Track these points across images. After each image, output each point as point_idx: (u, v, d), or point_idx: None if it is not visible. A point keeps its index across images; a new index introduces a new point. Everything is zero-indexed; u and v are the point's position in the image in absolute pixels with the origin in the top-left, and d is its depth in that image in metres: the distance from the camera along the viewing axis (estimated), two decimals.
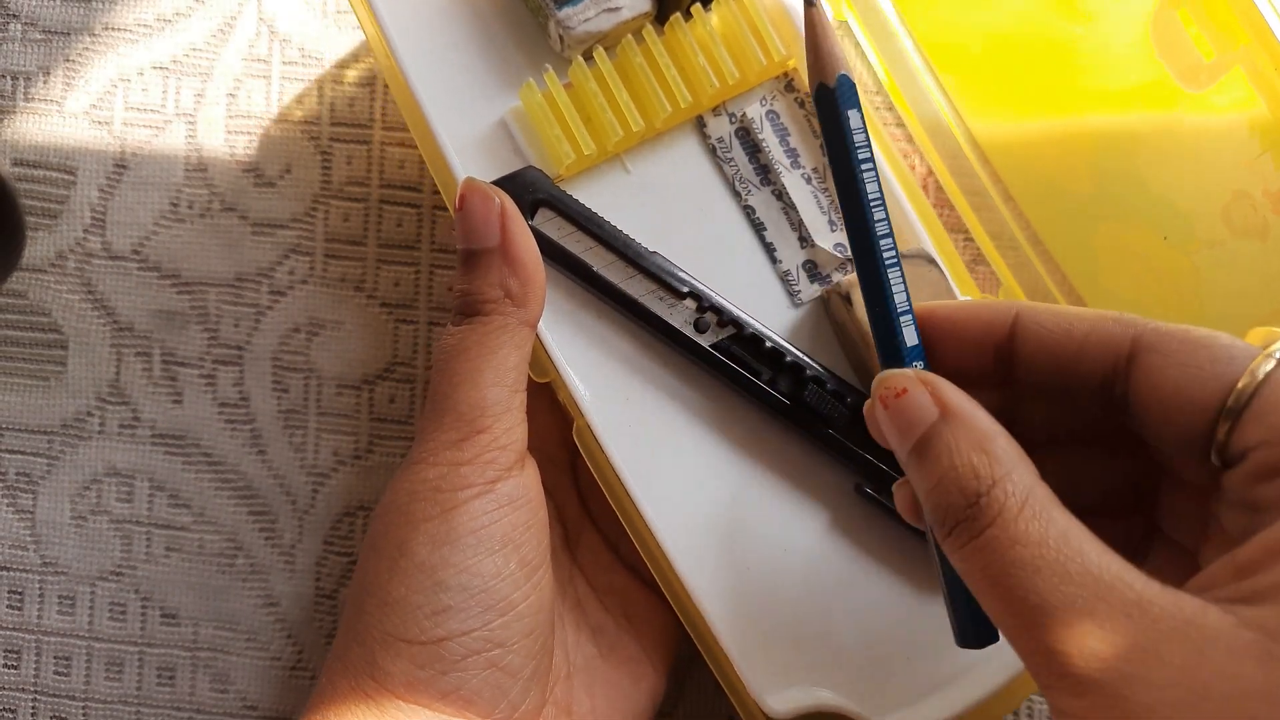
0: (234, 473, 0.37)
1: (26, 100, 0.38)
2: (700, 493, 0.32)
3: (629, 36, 0.32)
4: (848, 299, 0.31)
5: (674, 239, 0.32)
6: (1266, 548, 0.21)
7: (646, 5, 0.32)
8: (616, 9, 0.31)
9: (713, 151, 0.33)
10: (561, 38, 0.31)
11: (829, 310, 0.33)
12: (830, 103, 0.27)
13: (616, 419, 0.31)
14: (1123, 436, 0.26)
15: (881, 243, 0.27)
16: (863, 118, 0.27)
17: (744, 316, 0.32)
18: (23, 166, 0.38)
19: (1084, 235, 0.33)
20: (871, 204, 0.27)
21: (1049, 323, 0.26)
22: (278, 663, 0.37)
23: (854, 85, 0.27)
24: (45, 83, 0.38)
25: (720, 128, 0.33)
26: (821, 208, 0.33)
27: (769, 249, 0.33)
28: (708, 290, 0.31)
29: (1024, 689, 0.31)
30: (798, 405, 0.31)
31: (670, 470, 0.32)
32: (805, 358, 0.32)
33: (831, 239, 0.33)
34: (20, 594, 0.38)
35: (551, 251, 0.31)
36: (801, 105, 0.34)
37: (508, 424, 0.28)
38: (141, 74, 0.38)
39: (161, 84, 0.38)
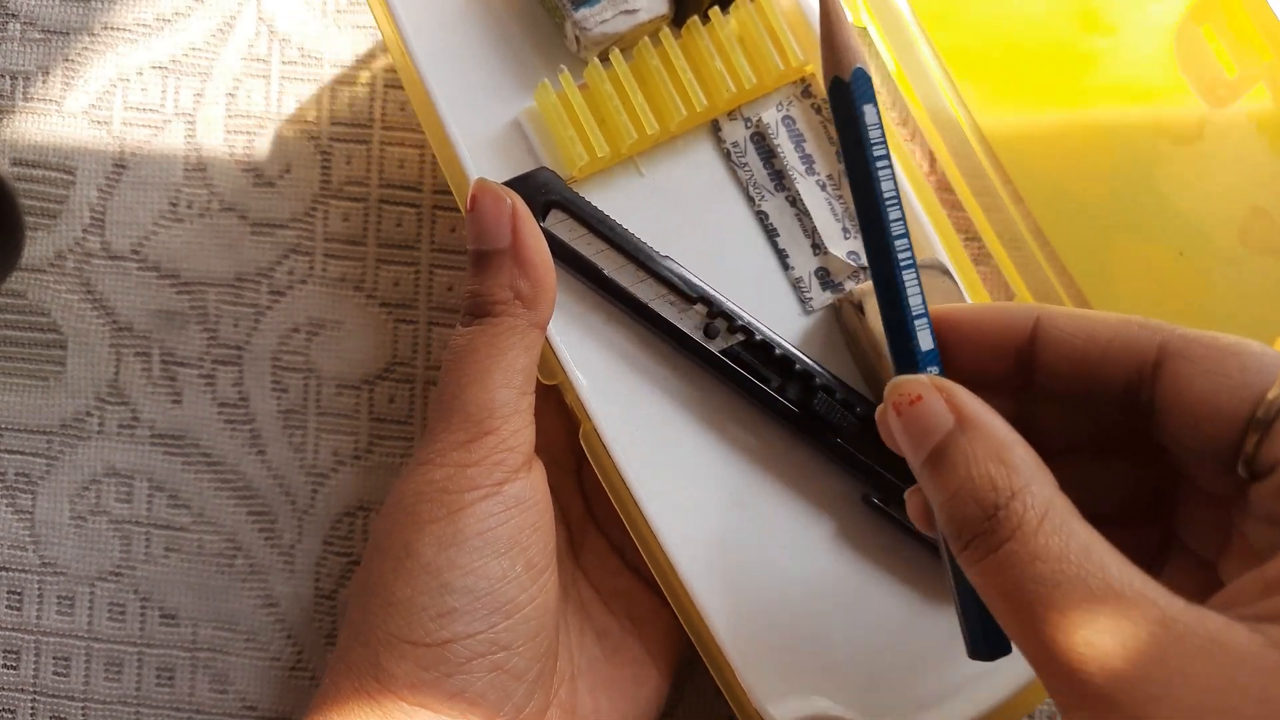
0: (233, 473, 0.37)
1: (25, 100, 0.38)
2: (706, 499, 0.32)
3: (645, 39, 0.32)
4: (860, 307, 0.31)
5: (686, 243, 0.32)
6: None
7: (664, 8, 0.31)
8: (634, 11, 0.31)
9: (727, 156, 0.33)
10: (578, 39, 0.31)
11: (840, 318, 0.33)
12: (845, 97, 0.26)
13: (623, 423, 0.31)
14: (1142, 444, 0.25)
15: (897, 244, 0.26)
16: (879, 113, 0.26)
17: (754, 323, 0.31)
18: (22, 166, 0.38)
19: (1099, 247, 0.33)
20: (887, 203, 0.26)
21: (1071, 327, 0.25)
22: (277, 663, 0.37)
23: (870, 79, 0.26)
24: (44, 82, 0.38)
25: (735, 132, 0.33)
26: (835, 215, 0.33)
27: (781, 255, 0.33)
28: (718, 296, 0.31)
29: (1030, 701, 0.31)
30: (806, 413, 0.31)
31: (676, 475, 0.31)
32: (815, 365, 0.31)
33: (844, 246, 0.33)
34: (19, 594, 0.38)
35: (562, 253, 0.31)
36: (818, 111, 0.33)
37: (515, 426, 0.28)
38: (141, 74, 0.38)
39: (161, 84, 0.38)
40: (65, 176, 0.38)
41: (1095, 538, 0.21)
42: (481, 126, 0.32)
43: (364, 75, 0.38)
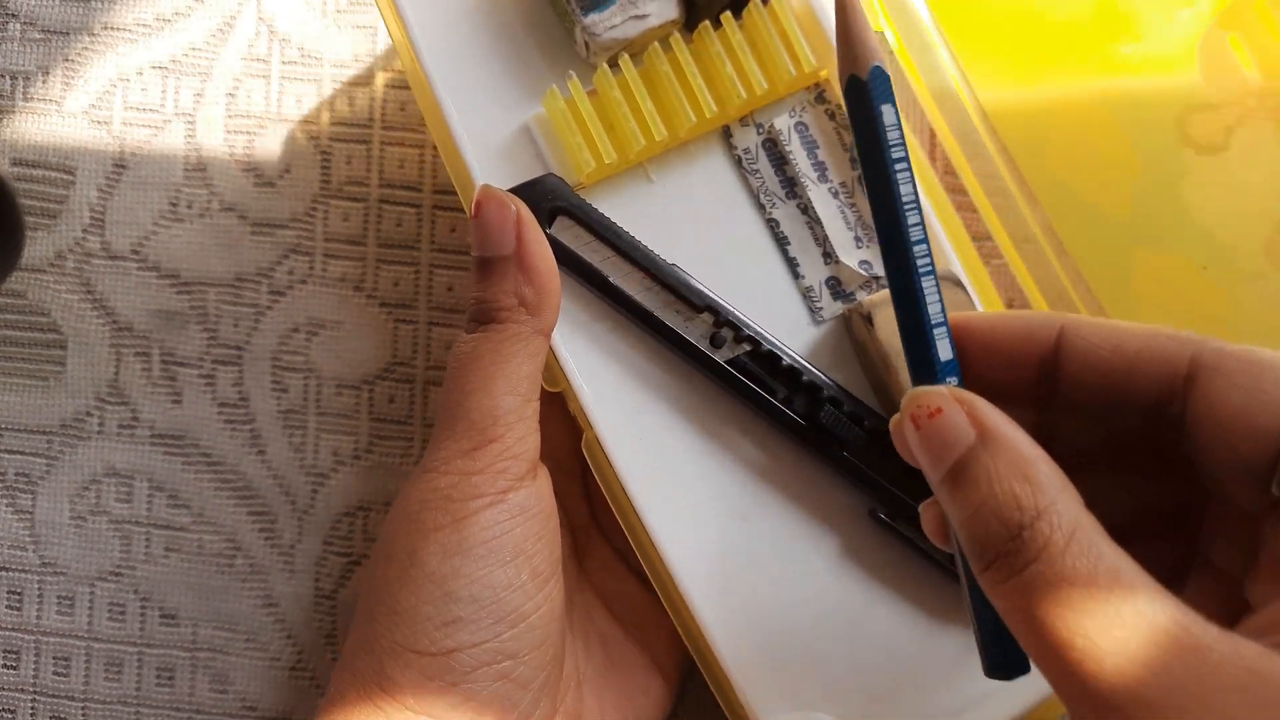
0: (233, 473, 0.37)
1: (25, 100, 0.38)
2: (709, 511, 0.31)
3: (655, 44, 0.31)
4: (869, 318, 0.31)
5: (695, 251, 0.31)
6: None
7: (674, 13, 0.31)
8: (644, 16, 0.31)
9: (738, 163, 0.33)
10: (587, 44, 0.31)
11: (850, 329, 0.32)
12: (862, 96, 0.25)
13: (626, 432, 0.31)
14: (1167, 456, 0.25)
15: (916, 249, 0.25)
16: (897, 114, 0.25)
17: (761, 332, 0.31)
18: (22, 166, 0.38)
19: (1119, 259, 0.32)
20: (906, 207, 0.25)
21: (1097, 338, 0.25)
22: (277, 663, 0.37)
23: (888, 78, 0.25)
24: (44, 82, 0.38)
25: (747, 138, 0.33)
26: (848, 223, 0.32)
27: (792, 264, 0.32)
28: (725, 304, 0.31)
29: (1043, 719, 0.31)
30: (813, 426, 0.31)
31: (679, 486, 0.31)
32: (823, 377, 0.31)
33: (856, 255, 0.32)
34: (19, 594, 0.38)
35: (568, 260, 0.30)
36: (832, 117, 0.33)
37: (520, 433, 0.28)
38: (141, 74, 0.38)
39: (161, 84, 0.38)
40: (65, 176, 0.38)
41: (1124, 559, 0.21)
42: (489, 132, 0.31)
43: (364, 75, 0.38)
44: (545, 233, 0.29)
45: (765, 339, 0.31)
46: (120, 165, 0.38)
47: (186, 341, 0.38)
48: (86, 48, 0.38)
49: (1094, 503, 0.22)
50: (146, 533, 0.37)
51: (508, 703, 0.27)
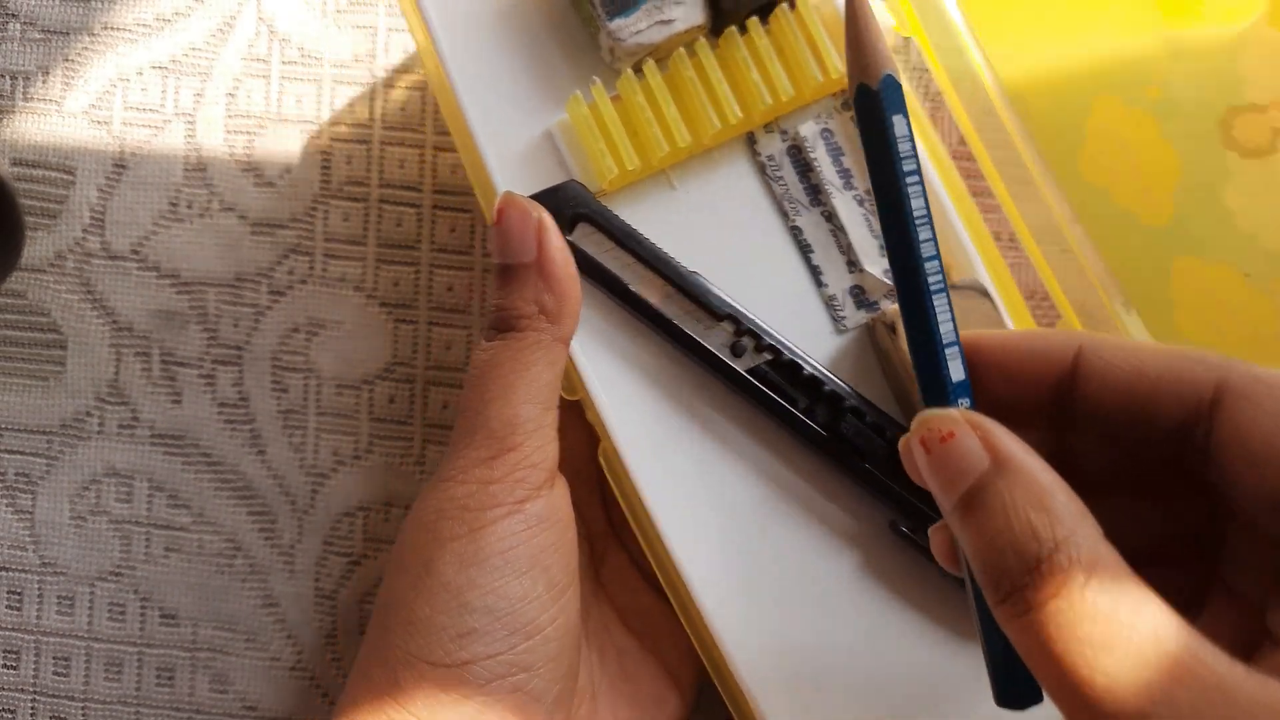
0: (233, 473, 0.37)
1: (25, 100, 0.38)
2: (726, 522, 0.31)
3: (680, 49, 0.31)
4: (893, 328, 0.30)
5: (717, 258, 0.31)
6: None
7: (700, 18, 0.31)
8: (669, 21, 0.30)
9: (762, 170, 0.32)
10: (612, 49, 0.31)
11: (873, 339, 0.32)
12: (873, 106, 0.24)
13: (644, 441, 0.30)
14: (1187, 480, 0.24)
15: (927, 265, 0.24)
16: (909, 124, 0.24)
17: (782, 341, 0.30)
18: (22, 166, 0.38)
19: (1158, 267, 0.31)
20: (917, 221, 0.24)
21: (1116, 359, 0.24)
22: (277, 663, 0.37)
23: (900, 87, 0.24)
24: (44, 82, 0.38)
25: (771, 145, 0.32)
26: (873, 231, 0.32)
27: (815, 272, 0.32)
28: (746, 313, 0.30)
29: None
30: (834, 436, 0.30)
31: (696, 497, 0.31)
32: (845, 387, 0.30)
33: (881, 264, 0.32)
34: (19, 594, 0.38)
35: (588, 267, 0.30)
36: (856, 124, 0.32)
37: (539, 442, 0.27)
38: (141, 74, 0.38)
39: (161, 84, 0.38)
40: (65, 176, 0.38)
41: (1146, 594, 0.20)
42: (511, 138, 0.31)
43: (364, 75, 0.38)
44: (566, 239, 0.29)
45: (786, 348, 0.30)
46: (120, 165, 0.38)
47: (186, 341, 0.38)
48: (86, 48, 0.38)
49: (1110, 526, 0.21)
50: (146, 533, 0.37)
51: (522, 716, 0.26)
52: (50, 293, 0.38)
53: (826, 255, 0.32)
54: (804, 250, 0.32)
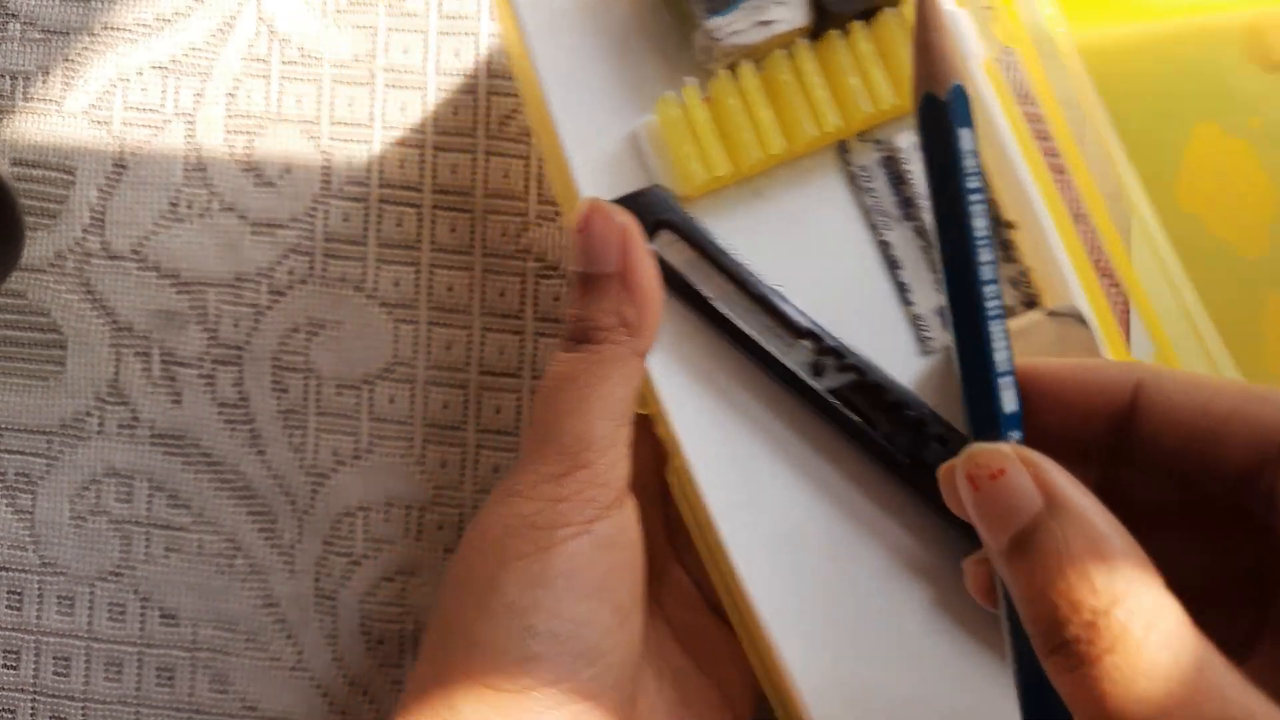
0: (233, 473, 0.37)
1: (25, 100, 0.38)
2: (797, 547, 0.29)
3: (779, 51, 0.29)
4: None
5: (798, 270, 0.30)
6: None
7: (803, 19, 0.29)
8: (770, 22, 0.29)
9: (852, 180, 0.31)
10: (707, 49, 0.29)
11: None
12: (940, 118, 0.22)
13: (716, 460, 0.29)
14: (1245, 521, 0.23)
15: (986, 289, 0.23)
16: (975, 138, 0.23)
17: (867, 362, 0.29)
18: (22, 166, 0.38)
19: (1251, 302, 0.30)
20: (979, 242, 0.23)
21: (1180, 396, 0.22)
22: (278, 663, 0.37)
23: (968, 99, 0.23)
24: (44, 82, 0.38)
25: (864, 155, 0.31)
26: None
27: (902, 289, 0.30)
28: (829, 331, 0.29)
29: None
30: (916, 465, 0.29)
31: (767, 519, 0.29)
32: (929, 412, 0.29)
33: None
34: (19, 594, 0.38)
35: (667, 277, 0.29)
36: None
37: (611, 460, 0.26)
38: (141, 74, 0.38)
39: (161, 84, 0.38)
40: (65, 176, 0.38)
41: (1209, 651, 0.19)
42: (595, 139, 0.30)
43: (364, 75, 0.38)
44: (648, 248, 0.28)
45: (870, 369, 0.29)
46: (120, 165, 0.38)
47: (186, 341, 0.38)
48: (86, 48, 0.38)
49: (1159, 564, 0.20)
50: (146, 533, 0.37)
51: None
52: (50, 293, 0.38)
53: (915, 272, 0.30)
54: (892, 266, 0.30)
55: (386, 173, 0.38)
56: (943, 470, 0.22)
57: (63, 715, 0.37)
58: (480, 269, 0.37)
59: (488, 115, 0.37)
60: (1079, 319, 0.29)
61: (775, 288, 0.29)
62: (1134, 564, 0.19)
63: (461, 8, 0.37)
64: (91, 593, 0.37)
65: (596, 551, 0.26)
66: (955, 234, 0.23)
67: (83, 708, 0.37)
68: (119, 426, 0.38)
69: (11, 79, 0.38)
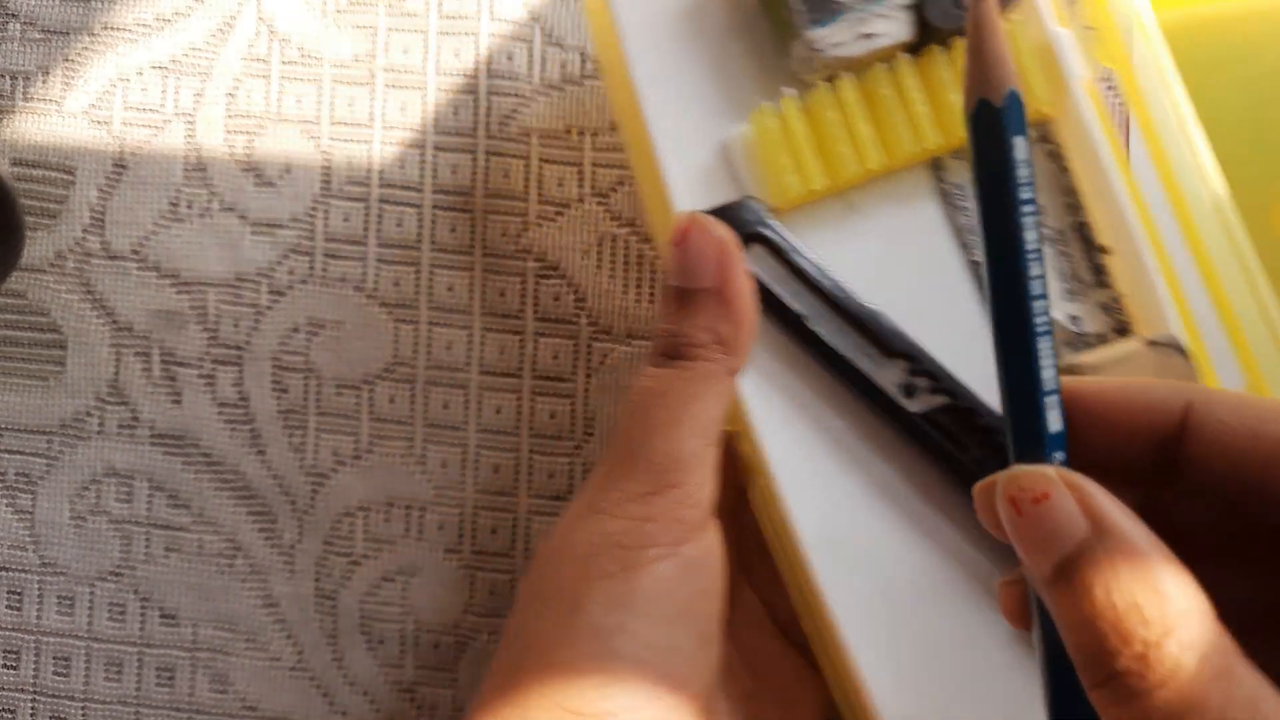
0: (233, 473, 0.37)
1: (25, 100, 0.38)
2: (884, 574, 0.29)
3: (880, 64, 0.29)
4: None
5: (887, 287, 0.29)
6: None
7: (907, 34, 0.29)
8: (873, 35, 0.28)
9: (945, 198, 0.30)
10: (807, 60, 0.29)
11: None
12: (993, 125, 0.22)
13: (803, 480, 0.28)
14: None
15: (1035, 304, 0.22)
16: (1029, 147, 0.22)
17: (959, 385, 0.28)
18: (22, 166, 0.38)
19: None
20: (1029, 256, 0.22)
21: (1232, 419, 0.22)
22: (278, 663, 0.37)
23: (1023, 105, 0.22)
24: (44, 82, 0.38)
25: (960, 173, 0.30)
26: (1061, 273, 0.30)
27: None
28: (924, 351, 0.28)
29: None
30: None
31: (853, 543, 0.29)
32: None
33: (1066, 308, 0.30)
34: (19, 594, 0.38)
35: (759, 292, 0.28)
36: (1053, 158, 0.31)
37: (700, 480, 0.25)
38: (141, 74, 0.38)
39: (161, 84, 0.38)
40: (65, 176, 0.38)
41: (1263, 685, 0.18)
42: (688, 149, 0.29)
43: (364, 75, 0.38)
44: None
45: (962, 392, 0.28)
46: (120, 165, 0.38)
47: (186, 341, 0.38)
48: (86, 48, 0.38)
49: (1205, 591, 0.19)
50: (146, 533, 0.37)
51: None
52: (50, 293, 0.38)
53: None
54: (983, 287, 0.30)
55: (386, 173, 0.38)
56: (979, 488, 0.22)
57: (63, 715, 0.37)
58: (480, 269, 0.37)
59: (488, 115, 0.37)
60: (1179, 350, 0.28)
61: (869, 305, 0.29)
62: (1186, 593, 0.19)
63: (461, 8, 0.37)
64: (91, 593, 0.37)
65: (683, 575, 0.25)
66: (1005, 246, 0.22)
67: (83, 708, 0.37)
68: (119, 426, 0.38)
69: (11, 79, 0.38)
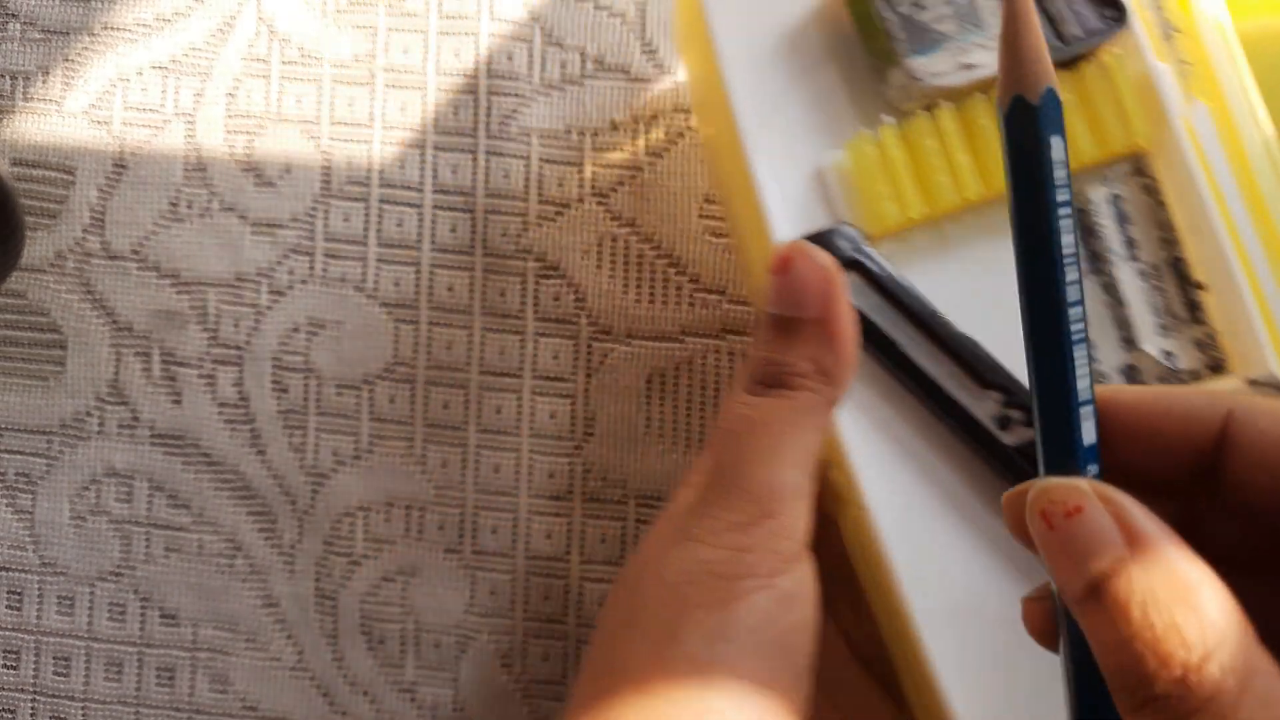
0: (233, 473, 0.37)
1: (25, 100, 0.38)
2: (975, 605, 0.28)
3: (978, 94, 0.29)
4: None
5: (980, 320, 0.29)
6: None
7: None
8: (973, 66, 0.29)
9: None
10: (906, 89, 0.29)
11: None
12: (1029, 124, 0.21)
13: (897, 513, 0.28)
14: None
15: (1071, 311, 0.21)
16: (1066, 148, 0.21)
17: None
18: (22, 166, 0.38)
19: None
20: (1065, 261, 0.21)
21: (1274, 429, 0.21)
22: (277, 663, 0.37)
23: (1060, 104, 0.21)
24: (44, 82, 0.38)
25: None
26: (1155, 308, 0.30)
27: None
28: (1020, 383, 0.28)
29: None
30: None
31: (945, 574, 0.28)
32: None
33: (1160, 343, 0.29)
34: (19, 594, 0.38)
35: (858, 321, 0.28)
36: (1149, 192, 0.31)
37: (798, 511, 0.25)
38: (141, 74, 0.38)
39: (161, 84, 0.38)
40: (65, 176, 0.38)
41: None
42: (784, 175, 0.29)
43: (364, 75, 0.38)
44: None
45: None
46: (120, 165, 0.38)
47: (186, 341, 0.38)
48: (86, 48, 0.38)
49: (1243, 607, 0.19)
50: (146, 533, 0.37)
51: None
52: (50, 293, 0.38)
53: (1100, 328, 0.30)
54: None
55: (386, 173, 0.38)
56: (1007, 497, 0.21)
57: (63, 715, 0.37)
58: (480, 269, 0.37)
59: (488, 115, 0.37)
60: (1278, 388, 0.28)
61: (967, 336, 0.28)
62: (1226, 614, 0.18)
63: (461, 8, 0.37)
64: (91, 593, 0.37)
65: (779, 608, 0.24)
66: (1039, 250, 0.21)
67: (83, 708, 0.37)
68: (119, 426, 0.38)
69: (11, 79, 0.38)
